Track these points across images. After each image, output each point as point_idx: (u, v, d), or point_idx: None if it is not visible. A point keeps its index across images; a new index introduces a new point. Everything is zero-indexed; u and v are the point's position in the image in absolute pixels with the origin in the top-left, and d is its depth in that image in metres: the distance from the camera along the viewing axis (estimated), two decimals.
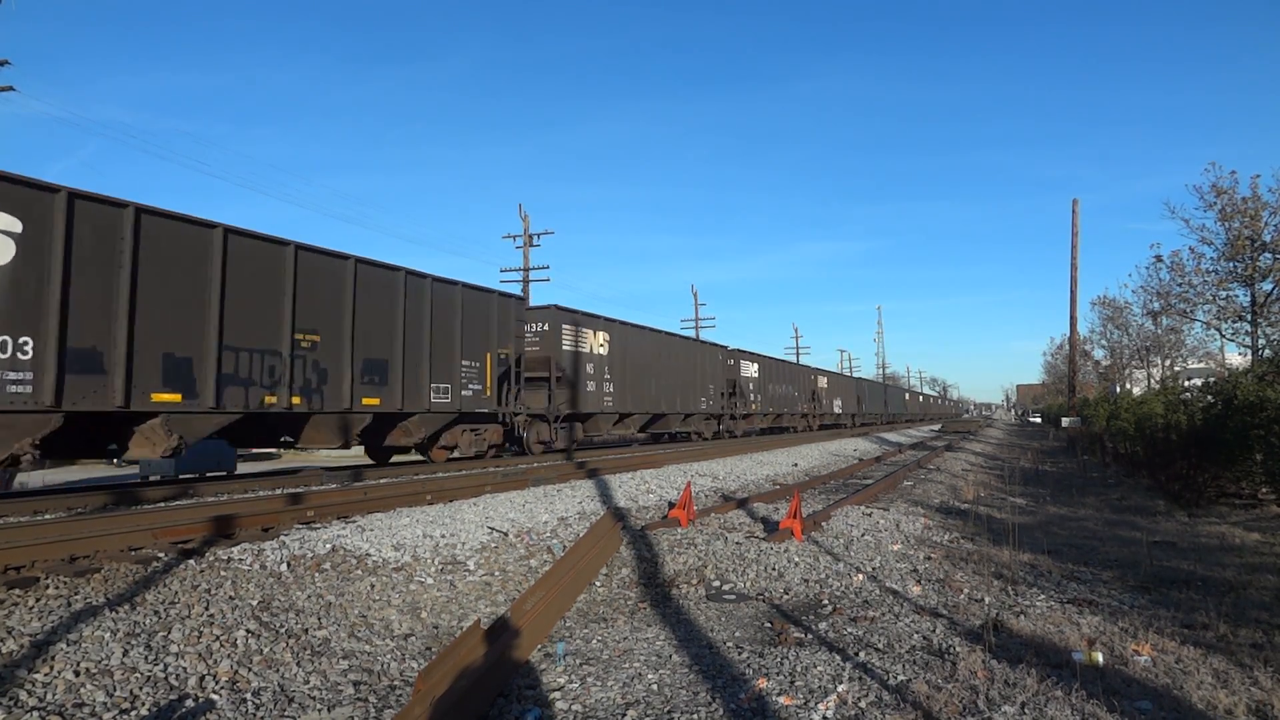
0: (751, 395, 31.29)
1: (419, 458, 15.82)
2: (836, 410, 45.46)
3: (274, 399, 10.76)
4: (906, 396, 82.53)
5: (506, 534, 7.90)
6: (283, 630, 4.99)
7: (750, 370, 31.61)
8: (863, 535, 8.43)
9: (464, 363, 14.77)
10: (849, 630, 5.26)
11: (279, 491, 10.44)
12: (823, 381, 43.20)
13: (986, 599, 6.08)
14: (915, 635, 5.09)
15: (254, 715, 3.95)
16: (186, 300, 9.76)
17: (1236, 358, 28.50)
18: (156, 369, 9.38)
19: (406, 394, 13.21)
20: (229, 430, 10.58)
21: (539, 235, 34.92)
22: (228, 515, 7.64)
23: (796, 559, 7.16)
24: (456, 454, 15.22)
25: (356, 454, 19.27)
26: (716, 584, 6.68)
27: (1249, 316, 20.30)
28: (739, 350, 31.03)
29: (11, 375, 8.04)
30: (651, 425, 24.30)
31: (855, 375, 55.83)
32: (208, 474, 16.89)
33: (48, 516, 8.37)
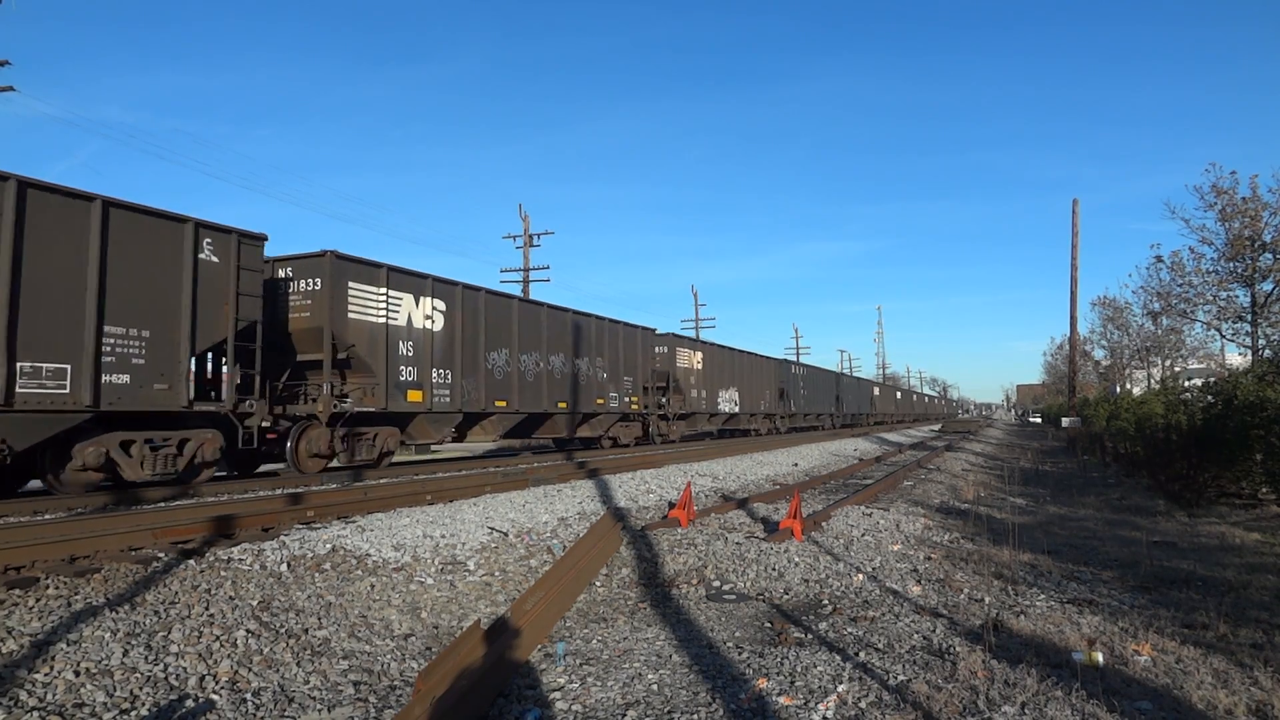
0: (409, 370, 13.87)
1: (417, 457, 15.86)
2: (726, 408, 28.57)
3: None
4: (876, 392, 61.62)
5: (506, 534, 7.90)
6: (283, 630, 4.99)
7: (427, 320, 14.30)
8: (863, 535, 8.43)
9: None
10: (849, 630, 5.26)
11: (279, 491, 10.45)
12: (690, 359, 25.69)
13: (986, 599, 6.08)
14: (915, 635, 5.09)
15: (254, 715, 3.95)
16: None
17: (1236, 358, 28.51)
18: None
19: None
20: None
21: (539, 235, 34.92)
22: (228, 515, 7.64)
23: (796, 559, 7.15)
24: None
25: None
26: (716, 584, 6.67)
27: (1249, 316, 20.33)
28: (394, 268, 13.64)
29: None
30: None
31: (781, 358, 37.37)
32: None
33: (48, 516, 8.37)
